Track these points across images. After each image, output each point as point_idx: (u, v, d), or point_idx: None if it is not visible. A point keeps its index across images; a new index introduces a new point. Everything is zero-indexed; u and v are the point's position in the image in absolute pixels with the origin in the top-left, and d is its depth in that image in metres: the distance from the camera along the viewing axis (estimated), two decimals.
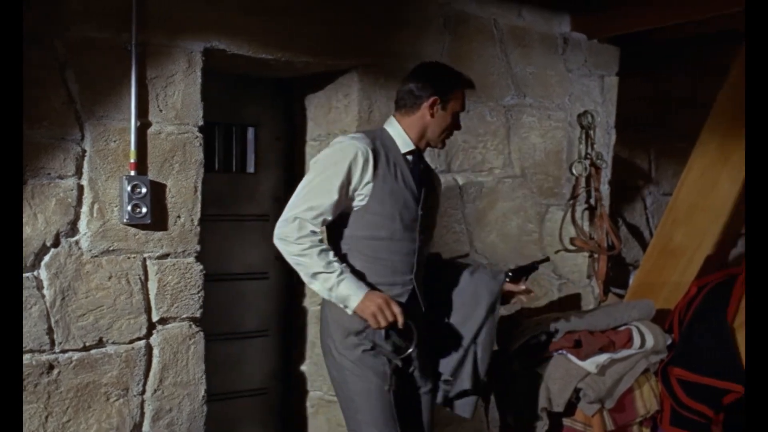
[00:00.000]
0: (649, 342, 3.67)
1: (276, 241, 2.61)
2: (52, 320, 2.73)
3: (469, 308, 2.96)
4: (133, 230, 2.87)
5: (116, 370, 2.87)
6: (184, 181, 2.98)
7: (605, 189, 4.32)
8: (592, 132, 4.19)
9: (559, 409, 3.44)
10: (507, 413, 3.70)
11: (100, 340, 2.83)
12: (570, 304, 4.22)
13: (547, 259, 3.39)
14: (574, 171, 4.16)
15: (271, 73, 3.46)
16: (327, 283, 2.56)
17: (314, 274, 2.56)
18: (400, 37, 3.52)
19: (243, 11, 3.06)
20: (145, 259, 2.91)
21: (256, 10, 3.10)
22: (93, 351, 2.82)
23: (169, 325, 2.99)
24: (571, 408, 3.49)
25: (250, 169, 3.62)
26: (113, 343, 2.86)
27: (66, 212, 2.74)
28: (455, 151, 3.73)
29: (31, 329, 2.69)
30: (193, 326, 3.04)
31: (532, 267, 3.14)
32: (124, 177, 2.81)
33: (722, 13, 3.76)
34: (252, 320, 3.66)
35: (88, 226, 2.78)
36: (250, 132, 3.61)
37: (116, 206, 2.82)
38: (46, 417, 2.75)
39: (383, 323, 2.57)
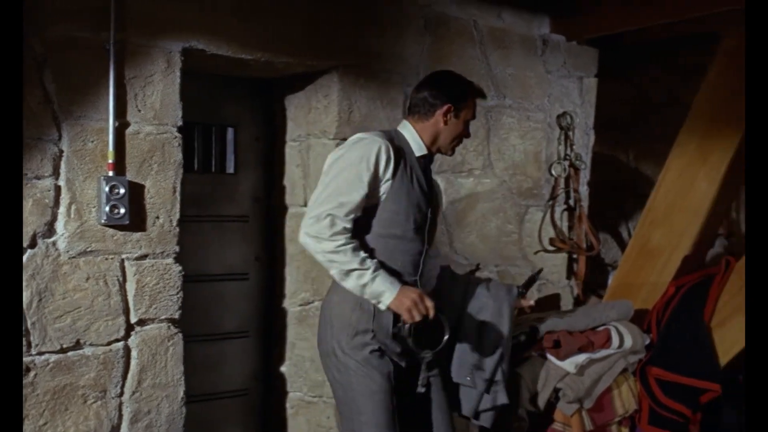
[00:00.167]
0: (628, 342, 3.69)
1: (306, 239, 2.56)
2: (29, 322, 2.70)
3: (496, 323, 3.12)
4: (111, 231, 2.85)
5: (94, 372, 2.84)
6: (162, 181, 2.96)
7: (584, 190, 4.34)
8: (571, 133, 4.22)
9: (539, 409, 3.46)
10: None
11: (78, 341, 2.81)
12: (549, 304, 4.24)
13: (541, 270, 3.46)
14: (553, 172, 4.18)
15: (250, 73, 3.45)
16: (361, 280, 2.56)
17: (348, 271, 2.56)
18: (380, 38, 3.52)
19: (222, 11, 3.05)
20: (123, 260, 2.90)
21: (235, 11, 3.09)
22: (70, 353, 2.80)
23: (148, 327, 2.97)
24: (550, 408, 3.50)
25: (230, 169, 3.61)
26: (91, 344, 2.84)
27: (43, 213, 2.72)
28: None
29: None
30: (172, 327, 3.02)
31: (533, 279, 3.27)
32: (102, 177, 2.79)
33: (699, 15, 3.80)
34: (232, 321, 3.64)
35: (65, 227, 2.76)
36: (230, 132, 3.59)
37: (94, 207, 2.80)
38: (23, 420, 2.72)
39: (417, 317, 2.58)
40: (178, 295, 3.03)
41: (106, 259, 2.85)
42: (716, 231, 4.69)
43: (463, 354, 3.12)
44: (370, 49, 3.50)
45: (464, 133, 2.87)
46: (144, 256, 2.93)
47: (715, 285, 3.91)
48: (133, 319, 2.93)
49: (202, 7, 3.00)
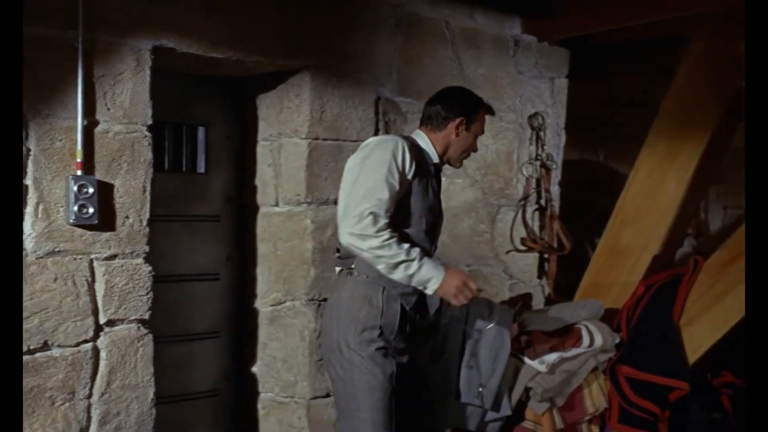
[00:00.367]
0: (598, 341, 3.72)
1: (350, 239, 2.60)
2: None
3: (499, 345, 3.32)
4: (79, 231, 2.82)
5: (62, 373, 2.81)
6: (132, 180, 2.93)
7: (555, 190, 4.37)
8: (542, 133, 4.24)
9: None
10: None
11: (45, 343, 2.77)
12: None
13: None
14: (524, 172, 4.20)
15: (221, 72, 3.43)
16: (409, 270, 2.63)
17: (396, 264, 2.62)
18: (352, 37, 3.52)
19: (193, 10, 3.03)
20: (92, 260, 2.87)
21: (206, 9, 3.07)
22: (38, 354, 2.76)
23: (117, 327, 2.94)
24: (521, 407, 3.52)
25: (201, 169, 3.58)
26: (59, 346, 2.80)
27: None
28: None
29: None
30: (142, 328, 2.99)
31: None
32: (71, 177, 2.76)
33: (669, 17, 3.84)
34: (202, 321, 3.62)
35: (32, 226, 2.72)
36: (201, 131, 3.57)
37: (62, 206, 2.77)
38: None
39: (464, 300, 2.70)
40: (148, 296, 3.00)
41: (75, 259, 2.82)
42: (685, 231, 4.74)
43: (470, 376, 3.30)
44: (342, 48, 3.49)
45: (473, 147, 3.03)
46: (113, 256, 2.91)
47: (683, 284, 3.96)
48: (102, 320, 2.90)
49: (172, 6, 2.97)
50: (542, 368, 3.52)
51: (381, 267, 2.63)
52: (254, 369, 3.68)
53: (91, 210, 2.79)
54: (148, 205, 2.98)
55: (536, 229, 4.27)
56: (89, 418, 2.89)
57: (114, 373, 2.93)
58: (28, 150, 2.71)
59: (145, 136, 2.96)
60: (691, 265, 4.02)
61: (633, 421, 3.75)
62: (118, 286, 2.92)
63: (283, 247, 3.54)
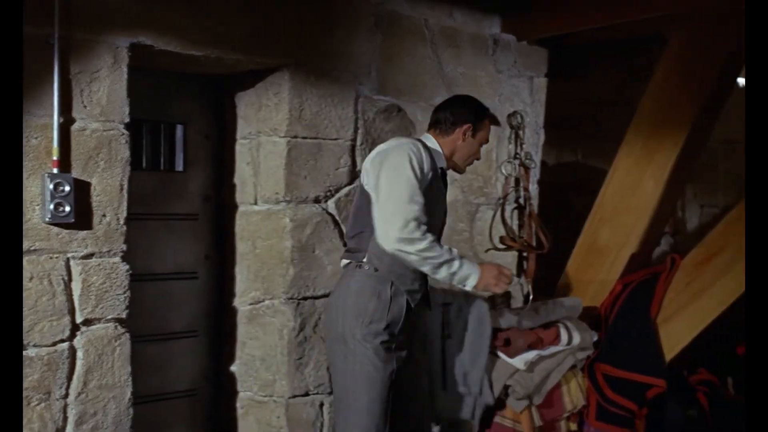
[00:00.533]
0: (576, 339, 3.74)
1: (399, 244, 2.75)
2: None
3: (479, 336, 3.45)
4: (55, 229, 2.79)
5: (37, 373, 2.78)
6: (109, 179, 2.91)
7: (534, 188, 4.38)
8: (521, 132, 4.25)
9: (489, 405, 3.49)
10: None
11: None
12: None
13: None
14: (503, 170, 4.21)
15: (200, 69, 3.41)
16: (452, 268, 2.84)
17: (441, 264, 2.82)
18: (331, 36, 3.51)
19: (171, 7, 3.01)
20: (68, 259, 2.84)
21: (184, 6, 3.04)
22: None
23: (94, 327, 2.91)
24: (500, 404, 3.54)
25: (179, 167, 3.56)
26: (34, 345, 2.77)
27: None
28: None
29: None
30: (119, 327, 2.97)
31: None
32: (47, 175, 2.73)
33: (646, 17, 3.87)
34: (180, 321, 3.60)
35: None
36: (179, 130, 3.54)
37: (38, 205, 2.74)
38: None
39: (504, 288, 2.96)
40: (126, 295, 2.97)
41: (51, 258, 2.79)
42: (662, 229, 4.78)
43: (456, 366, 3.40)
44: (321, 47, 3.48)
45: (477, 155, 3.20)
46: (90, 255, 2.88)
47: (661, 283, 3.99)
48: (78, 319, 2.87)
49: (150, 3, 2.95)
50: (521, 366, 3.54)
51: (426, 268, 2.82)
52: (233, 368, 3.67)
53: (67, 208, 2.76)
54: (125, 204, 2.96)
55: (515, 227, 4.29)
56: (65, 419, 2.86)
57: (91, 373, 2.90)
58: None
59: (123, 134, 2.94)
60: (668, 264, 4.05)
61: (611, 419, 3.79)
62: (95, 285, 2.89)
63: (262, 245, 3.53)
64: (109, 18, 2.86)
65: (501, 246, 4.22)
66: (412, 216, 2.75)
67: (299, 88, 3.42)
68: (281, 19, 3.34)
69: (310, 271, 3.49)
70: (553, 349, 3.68)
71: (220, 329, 3.72)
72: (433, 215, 2.92)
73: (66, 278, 2.83)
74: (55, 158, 2.75)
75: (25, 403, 2.76)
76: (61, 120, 2.76)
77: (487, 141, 3.24)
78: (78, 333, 2.88)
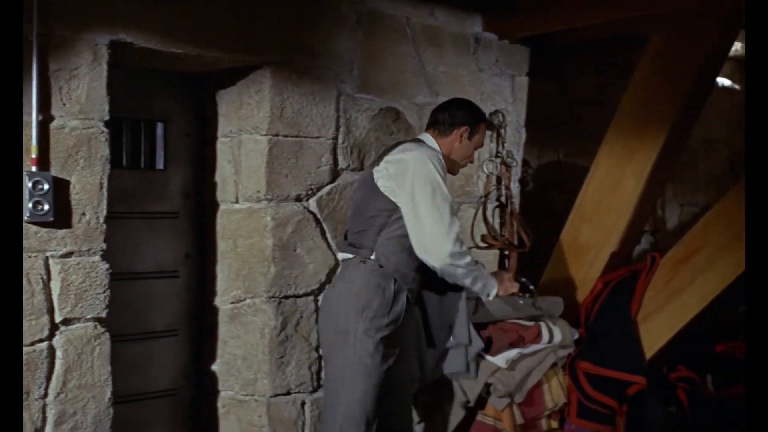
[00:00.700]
0: (557, 337, 3.76)
1: (451, 259, 2.99)
2: None
3: (451, 293, 3.41)
4: (34, 228, 2.76)
5: None
6: (89, 177, 2.89)
7: (515, 187, 4.39)
8: (503, 131, 4.25)
9: (470, 404, 3.50)
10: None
11: None
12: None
13: None
14: (485, 169, 4.21)
15: (180, 67, 3.39)
16: (482, 280, 3.17)
17: (477, 276, 3.13)
18: (312, 34, 3.50)
19: (151, 3, 2.99)
20: (47, 257, 2.81)
21: (165, 3, 3.02)
22: None
23: (73, 326, 2.89)
24: (481, 403, 3.54)
25: (159, 165, 3.54)
26: None
27: None
28: (368, 149, 3.74)
29: None
30: (99, 327, 2.95)
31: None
32: (25, 173, 2.70)
33: (628, 15, 3.89)
34: (161, 320, 3.58)
35: None
36: (159, 127, 3.52)
37: None
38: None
39: (514, 289, 3.39)
40: (105, 294, 2.95)
41: (30, 257, 2.76)
42: (643, 228, 4.81)
43: (441, 322, 3.41)
44: (303, 44, 3.47)
45: (471, 157, 3.35)
46: (69, 254, 2.86)
47: (641, 281, 4.02)
48: (57, 319, 2.85)
49: None
50: (502, 364, 3.54)
51: (468, 280, 3.09)
52: (214, 367, 3.66)
53: (46, 207, 2.74)
54: (105, 202, 2.93)
55: (497, 226, 4.29)
56: (44, 419, 2.84)
57: (70, 373, 2.88)
58: None
59: (102, 132, 2.91)
60: (649, 262, 4.08)
61: (591, 416, 3.80)
62: (75, 284, 2.87)
63: (243, 244, 3.51)
64: (88, 15, 2.84)
65: (482, 244, 4.22)
66: (456, 233, 2.99)
67: (281, 86, 3.41)
68: (263, 16, 3.33)
69: (291, 269, 3.48)
70: (534, 348, 3.69)
71: (201, 328, 3.70)
72: None
73: (45, 277, 2.81)
74: (33, 156, 2.73)
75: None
76: (40, 118, 2.74)
77: (482, 145, 3.35)
78: (57, 332, 2.86)
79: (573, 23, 4.08)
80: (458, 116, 3.24)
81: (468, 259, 3.05)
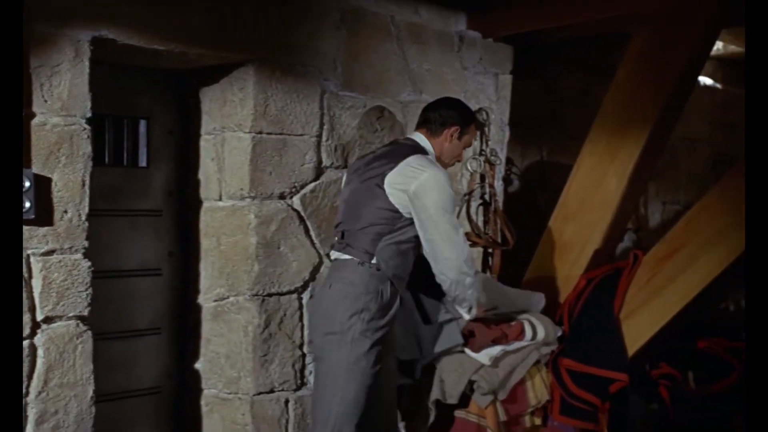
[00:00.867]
0: (541, 334, 3.77)
1: (469, 279, 3.15)
2: None
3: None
4: None
5: None
6: (71, 174, 2.87)
7: (499, 185, 4.40)
8: (486, 129, 4.26)
9: (453, 401, 3.50)
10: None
11: None
12: None
13: None
14: (469, 167, 4.22)
15: (163, 64, 3.37)
16: (482, 296, 3.36)
17: (478, 291, 3.28)
18: (296, 31, 3.50)
19: (134, 0, 2.97)
20: (29, 255, 2.80)
21: (147, 0, 3.01)
22: None
23: (55, 324, 2.88)
24: (464, 400, 3.55)
25: (142, 163, 3.52)
26: None
27: None
28: (352, 146, 3.74)
29: None
30: (81, 325, 2.93)
31: None
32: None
33: (612, 14, 3.91)
34: (144, 318, 3.56)
35: None
36: (142, 125, 3.51)
37: None
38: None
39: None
40: (88, 292, 2.94)
41: None
42: (625, 226, 4.83)
43: (431, 303, 3.47)
44: (287, 42, 3.47)
45: (459, 156, 3.39)
46: (51, 252, 2.84)
47: (623, 278, 4.04)
48: (39, 317, 2.83)
49: None
50: (486, 361, 3.55)
51: (470, 291, 3.21)
52: (197, 365, 3.64)
53: (27, 204, 2.72)
54: (87, 200, 2.92)
55: (480, 224, 4.31)
56: (25, 418, 2.82)
57: (52, 371, 2.87)
58: None
59: (84, 129, 2.90)
60: (631, 259, 4.10)
61: (574, 413, 3.82)
62: (56, 282, 2.86)
63: (227, 242, 3.50)
64: (70, 11, 2.82)
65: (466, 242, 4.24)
66: (468, 253, 3.14)
67: (264, 84, 3.41)
68: (246, 13, 3.32)
69: (275, 267, 3.48)
70: (517, 345, 3.70)
71: (184, 326, 3.69)
72: None
73: (26, 275, 2.79)
74: None
75: None
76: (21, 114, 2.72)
77: (470, 145, 3.40)
78: (39, 331, 2.84)
79: (556, 22, 4.09)
80: (449, 116, 3.26)
81: (476, 276, 3.23)
